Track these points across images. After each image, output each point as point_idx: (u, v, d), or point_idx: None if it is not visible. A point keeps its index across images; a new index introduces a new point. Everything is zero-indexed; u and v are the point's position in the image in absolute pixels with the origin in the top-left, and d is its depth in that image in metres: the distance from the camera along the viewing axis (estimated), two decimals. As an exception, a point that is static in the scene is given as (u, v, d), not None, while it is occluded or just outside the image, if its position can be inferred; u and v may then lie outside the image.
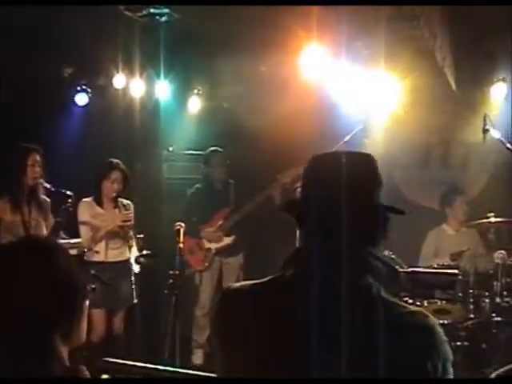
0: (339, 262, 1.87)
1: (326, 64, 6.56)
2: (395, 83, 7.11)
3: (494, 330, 6.20)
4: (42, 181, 6.23)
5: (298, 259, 1.97)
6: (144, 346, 6.61)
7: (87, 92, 8.32)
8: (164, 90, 8.14)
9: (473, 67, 7.00)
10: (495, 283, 6.34)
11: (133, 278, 6.55)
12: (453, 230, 7.41)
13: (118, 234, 6.44)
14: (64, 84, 8.16)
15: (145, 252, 6.49)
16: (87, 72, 8.23)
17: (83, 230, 6.41)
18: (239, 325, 1.96)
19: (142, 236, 6.67)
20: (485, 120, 6.39)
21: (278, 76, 7.45)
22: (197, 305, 7.56)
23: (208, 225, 7.54)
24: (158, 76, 7.97)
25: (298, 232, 2.05)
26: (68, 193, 6.31)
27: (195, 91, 8.54)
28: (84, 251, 6.23)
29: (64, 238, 6.51)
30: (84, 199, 6.47)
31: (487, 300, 6.43)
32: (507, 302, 6.27)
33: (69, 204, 6.28)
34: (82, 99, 8.33)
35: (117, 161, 6.50)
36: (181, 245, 6.13)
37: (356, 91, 7.21)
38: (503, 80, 7.23)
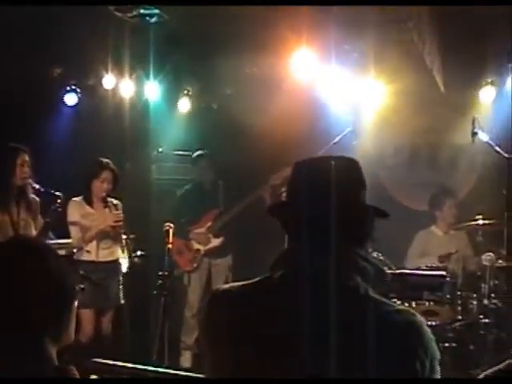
0: (327, 262, 1.89)
1: (316, 66, 6.58)
2: (384, 86, 7.15)
3: (482, 332, 6.24)
4: (30, 181, 6.20)
5: (286, 260, 1.99)
6: (133, 347, 6.61)
7: (76, 92, 8.30)
8: (154, 90, 8.13)
9: (461, 70, 7.03)
10: (483, 285, 6.38)
11: (121, 278, 6.55)
12: (442, 232, 7.43)
13: (109, 234, 6.43)
14: (53, 84, 8.14)
15: (139, 253, 6.48)
16: (77, 72, 8.21)
17: (73, 229, 6.40)
18: (228, 325, 1.97)
19: (133, 237, 6.66)
20: (473, 123, 6.43)
21: (268, 78, 7.46)
22: (185, 306, 7.56)
23: (197, 226, 7.54)
24: (148, 76, 7.96)
25: (285, 234, 2.07)
26: (57, 193, 6.29)
27: (185, 92, 8.53)
28: (73, 251, 6.22)
29: (53, 239, 6.50)
30: (74, 198, 6.45)
31: (475, 302, 6.46)
32: (495, 304, 6.30)
33: (58, 204, 6.26)
34: (71, 99, 8.30)
35: (107, 160, 6.50)
36: (170, 245, 6.13)
37: (345, 93, 7.23)
38: (491, 83, 7.26)
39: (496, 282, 6.38)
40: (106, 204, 6.49)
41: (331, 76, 6.92)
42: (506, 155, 6.38)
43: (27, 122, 7.24)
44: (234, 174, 7.74)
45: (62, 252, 6.00)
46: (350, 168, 2.03)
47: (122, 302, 6.57)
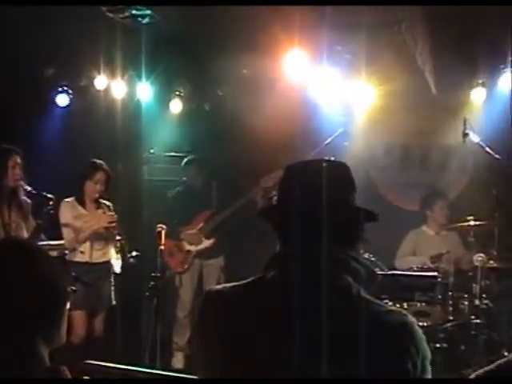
0: (319, 264, 1.92)
1: (308, 67, 6.60)
2: (376, 87, 7.17)
3: (473, 332, 6.26)
4: (22, 183, 6.19)
5: (278, 261, 2.01)
6: (125, 349, 6.60)
7: (68, 93, 8.29)
8: (145, 91, 8.13)
9: (453, 72, 7.04)
10: (474, 286, 6.40)
11: (112, 280, 6.54)
12: (433, 232, 7.44)
13: (102, 235, 6.42)
14: (45, 85, 8.13)
15: (134, 253, 6.48)
16: (68, 73, 8.20)
17: (65, 230, 6.38)
18: (221, 326, 1.98)
19: (120, 238, 6.64)
20: (464, 124, 6.45)
21: (260, 79, 7.47)
22: (177, 307, 7.56)
23: (189, 227, 7.54)
24: (140, 77, 7.96)
25: (277, 236, 2.09)
26: (49, 196, 6.28)
27: (176, 93, 8.52)
28: (65, 253, 6.21)
29: (44, 240, 6.48)
30: (66, 199, 6.44)
31: (466, 302, 6.49)
32: (486, 305, 6.32)
33: (49, 207, 6.25)
34: (63, 100, 8.30)
35: (101, 161, 6.48)
36: (162, 247, 6.13)
37: (337, 94, 7.25)
38: (482, 84, 7.28)
39: (487, 282, 6.40)
40: (98, 205, 6.48)
41: (323, 77, 6.93)
42: (497, 156, 6.40)
43: (19, 123, 7.23)
44: (225, 176, 7.74)
45: (53, 253, 5.98)
46: (340, 171, 2.07)
47: (114, 303, 6.57)
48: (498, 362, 1.54)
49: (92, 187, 6.41)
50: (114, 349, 6.63)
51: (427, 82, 7.07)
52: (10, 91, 7.29)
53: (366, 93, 7.20)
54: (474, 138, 6.46)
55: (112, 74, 7.85)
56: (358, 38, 6.07)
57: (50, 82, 8.17)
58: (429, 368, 1.87)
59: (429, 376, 1.88)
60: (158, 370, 4.08)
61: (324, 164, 2.06)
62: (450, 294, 6.46)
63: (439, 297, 6.35)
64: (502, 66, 6.93)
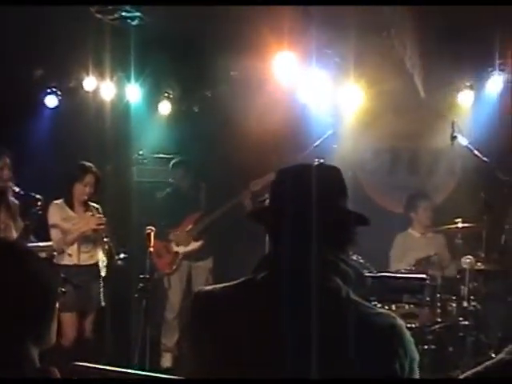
0: (309, 265, 1.93)
1: (298, 70, 6.61)
2: (365, 90, 7.19)
3: (461, 334, 6.28)
4: (11, 184, 6.18)
5: (269, 263, 2.02)
6: (114, 350, 6.60)
7: (57, 94, 8.28)
8: (134, 93, 8.12)
9: (441, 75, 7.08)
10: (462, 288, 6.42)
11: (101, 281, 6.53)
12: (418, 233, 7.46)
13: (90, 238, 6.41)
14: (34, 86, 8.11)
15: (122, 255, 6.47)
16: (57, 74, 8.18)
17: (54, 231, 6.36)
18: (211, 326, 1.99)
19: (108, 240, 6.63)
20: (453, 127, 6.47)
21: (249, 81, 7.47)
22: (166, 308, 7.55)
23: (177, 229, 7.53)
24: (129, 79, 7.95)
25: (267, 238, 2.11)
26: (37, 196, 6.26)
27: (166, 95, 8.52)
28: (53, 254, 6.19)
29: (33, 242, 6.46)
30: (55, 201, 6.42)
31: (454, 304, 6.51)
32: (474, 306, 6.35)
33: (38, 207, 6.24)
34: (51, 101, 8.28)
35: (90, 164, 6.47)
36: (151, 249, 6.13)
37: (326, 97, 7.27)
38: (471, 87, 7.31)
39: (475, 284, 6.42)
40: (87, 208, 6.46)
41: (313, 79, 6.95)
42: (485, 159, 6.43)
43: (7, 124, 7.20)
44: (214, 178, 7.74)
45: (42, 255, 5.96)
46: (332, 175, 2.10)
47: (103, 304, 6.55)
48: (486, 363, 1.55)
49: (81, 189, 6.39)
50: (104, 350, 6.62)
51: (416, 85, 7.10)
52: (-1, 92, 7.28)
53: (354, 96, 7.23)
54: (463, 140, 6.48)
55: (101, 76, 7.85)
56: (347, 42, 6.09)
57: (38, 83, 8.15)
58: (417, 370, 1.89)
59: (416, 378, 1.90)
60: (146, 371, 4.08)
61: (316, 167, 2.08)
62: (438, 295, 6.48)
63: (427, 299, 6.37)
64: (490, 69, 6.96)
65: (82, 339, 6.34)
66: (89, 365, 2.85)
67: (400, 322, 1.92)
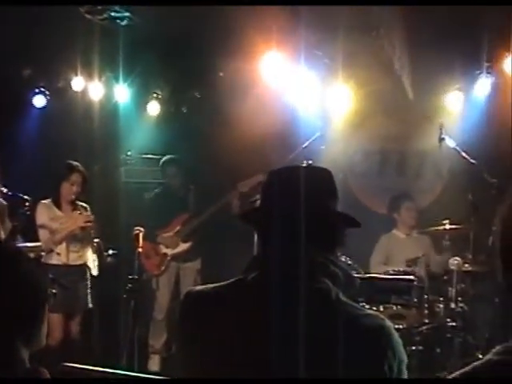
0: (299, 266, 1.94)
1: (287, 71, 6.62)
2: (353, 91, 7.21)
3: (449, 335, 6.30)
4: (-1, 185, 6.16)
5: (259, 263, 2.04)
6: (102, 351, 6.58)
7: (45, 94, 8.25)
8: (123, 93, 8.11)
9: (430, 76, 7.10)
10: (450, 289, 6.44)
11: (89, 282, 6.52)
12: (403, 234, 7.46)
13: (78, 237, 6.39)
14: (22, 86, 8.08)
15: (111, 252, 6.45)
16: (46, 74, 8.16)
17: (42, 231, 6.35)
18: (201, 326, 2.01)
19: (99, 240, 6.62)
20: (440, 129, 6.49)
21: (238, 82, 7.48)
22: (154, 309, 7.54)
23: (166, 230, 7.52)
24: (117, 79, 7.94)
25: (255, 239, 2.12)
26: (25, 197, 6.24)
27: (154, 95, 8.51)
28: (41, 255, 6.17)
29: (21, 242, 6.44)
30: (42, 201, 6.40)
31: (441, 305, 6.53)
32: (461, 308, 6.37)
33: (26, 208, 6.22)
34: (39, 101, 8.26)
35: (76, 163, 6.46)
36: (140, 249, 6.12)
37: (315, 99, 7.28)
38: (459, 89, 7.34)
39: (462, 285, 6.45)
40: (74, 207, 6.46)
41: (302, 81, 6.96)
42: (473, 161, 6.46)
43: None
44: (203, 179, 7.74)
45: (30, 255, 5.94)
46: (322, 177, 2.12)
47: (91, 305, 6.54)
48: (474, 364, 1.56)
49: (68, 189, 6.39)
50: (92, 351, 6.60)
51: (404, 87, 7.12)
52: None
53: (343, 97, 7.24)
54: (450, 142, 6.51)
55: (89, 76, 7.83)
56: (336, 43, 6.10)
57: (27, 82, 8.13)
58: (405, 371, 1.90)
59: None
60: (135, 372, 4.08)
61: (307, 169, 2.10)
62: (426, 297, 6.50)
63: (415, 300, 6.38)
64: (478, 72, 6.99)
65: (69, 340, 6.32)
66: (77, 366, 2.85)
67: (389, 323, 1.93)
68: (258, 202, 2.19)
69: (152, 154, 8.45)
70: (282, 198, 2.01)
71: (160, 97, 8.54)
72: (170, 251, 7.51)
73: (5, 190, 6.18)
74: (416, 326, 6.26)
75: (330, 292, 1.93)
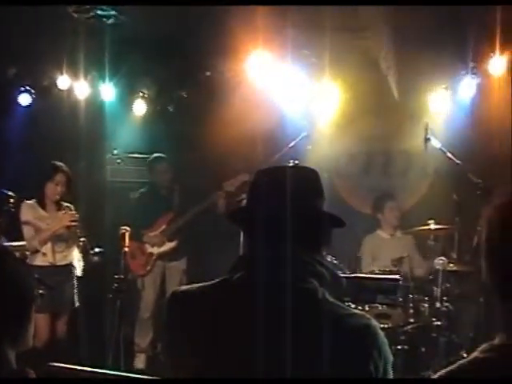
0: (285, 266, 1.95)
1: (274, 70, 6.62)
2: (340, 91, 7.22)
3: (434, 334, 6.33)
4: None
5: (245, 263, 2.04)
6: (88, 351, 6.56)
7: (30, 93, 8.21)
8: (109, 92, 8.08)
9: (415, 77, 7.12)
10: (435, 289, 6.47)
11: (75, 282, 6.50)
12: (387, 234, 7.49)
13: (64, 237, 6.37)
14: (7, 84, 8.04)
15: (97, 249, 6.44)
16: (31, 72, 8.12)
17: (26, 228, 6.33)
18: (188, 325, 2.01)
19: (84, 240, 6.60)
20: (426, 129, 6.51)
21: (225, 81, 7.48)
22: (139, 309, 7.53)
23: (151, 229, 7.51)
24: (104, 78, 7.91)
25: (242, 238, 2.13)
26: (9, 193, 6.21)
27: (140, 94, 8.48)
28: (26, 254, 6.15)
29: (5, 241, 6.41)
30: (26, 201, 6.38)
31: (426, 305, 6.55)
32: (446, 307, 6.40)
33: (10, 205, 6.19)
34: (25, 100, 8.22)
35: (60, 163, 6.45)
36: (126, 249, 6.10)
37: (301, 98, 7.28)
38: (445, 90, 7.36)
39: (447, 285, 6.47)
40: (59, 207, 6.44)
41: (288, 80, 6.96)
42: (458, 161, 6.48)
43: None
44: (189, 178, 7.73)
45: (16, 255, 5.91)
46: (309, 177, 2.12)
47: (77, 305, 6.52)
48: (460, 361, 1.58)
49: (52, 189, 6.37)
50: (78, 351, 6.58)
51: (390, 87, 7.15)
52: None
53: (330, 96, 7.24)
54: (436, 143, 6.53)
55: (75, 75, 7.80)
56: (323, 43, 6.10)
57: (12, 81, 8.09)
58: (390, 371, 1.91)
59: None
60: (121, 371, 4.08)
61: (293, 169, 2.10)
62: (411, 296, 6.52)
63: (400, 299, 6.41)
64: (464, 72, 7.02)
65: (56, 340, 6.30)
66: (64, 365, 2.85)
67: (374, 323, 1.94)
68: (244, 201, 2.20)
69: (138, 153, 8.44)
70: (268, 198, 2.02)
71: (146, 96, 8.52)
72: (155, 250, 7.50)
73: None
74: (401, 326, 6.29)
75: (317, 292, 1.94)
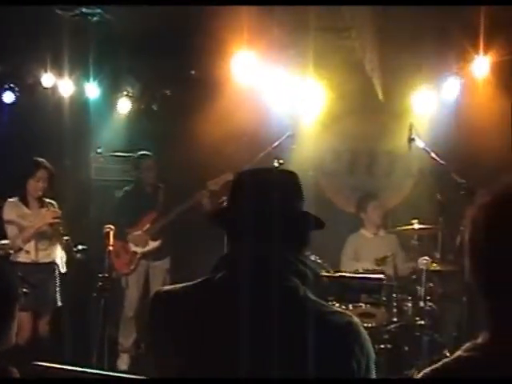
0: (267, 265, 1.98)
1: (258, 70, 6.62)
2: (325, 91, 7.23)
3: (417, 333, 6.35)
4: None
5: (227, 262, 2.05)
6: (72, 349, 6.54)
7: (14, 90, 8.17)
8: (93, 90, 8.06)
9: (400, 77, 7.16)
10: (419, 288, 6.49)
11: (58, 281, 6.48)
12: (370, 233, 7.52)
13: (47, 234, 6.36)
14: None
15: (80, 247, 6.42)
16: (15, 70, 8.08)
17: (9, 227, 6.31)
18: (171, 325, 2.02)
19: (68, 238, 6.57)
20: (410, 129, 6.54)
21: (209, 80, 7.47)
22: (123, 308, 7.51)
23: (135, 228, 7.49)
24: (88, 76, 7.89)
25: (225, 238, 2.15)
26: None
27: (125, 93, 8.45)
28: (9, 252, 6.12)
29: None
30: (9, 199, 6.36)
31: (410, 304, 6.58)
32: (430, 307, 6.43)
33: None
34: (9, 97, 8.17)
35: (42, 159, 6.43)
36: (110, 248, 6.09)
37: (286, 98, 7.29)
38: (429, 90, 7.38)
39: (431, 285, 6.51)
40: (42, 204, 6.43)
41: (273, 80, 6.97)
42: (442, 162, 6.51)
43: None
44: (173, 177, 7.72)
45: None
46: (289, 180, 2.15)
47: (60, 304, 6.51)
48: (444, 360, 1.59)
49: (34, 185, 6.36)
50: (61, 350, 6.56)
51: (374, 88, 7.17)
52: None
53: (314, 96, 7.26)
54: (420, 143, 6.55)
55: (60, 73, 7.77)
56: (308, 43, 6.11)
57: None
58: (373, 368, 1.93)
59: (373, 376, 1.93)
60: (104, 370, 4.07)
61: (274, 171, 2.13)
62: (395, 295, 6.54)
63: (384, 298, 6.44)
64: (448, 73, 7.05)
65: (38, 339, 6.28)
66: (47, 364, 2.84)
67: (356, 320, 1.97)
68: (225, 202, 2.22)
69: (122, 152, 8.41)
70: (250, 199, 2.05)
71: (131, 94, 8.49)
72: (139, 249, 7.48)
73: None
74: (385, 325, 6.31)
75: (298, 290, 1.96)
